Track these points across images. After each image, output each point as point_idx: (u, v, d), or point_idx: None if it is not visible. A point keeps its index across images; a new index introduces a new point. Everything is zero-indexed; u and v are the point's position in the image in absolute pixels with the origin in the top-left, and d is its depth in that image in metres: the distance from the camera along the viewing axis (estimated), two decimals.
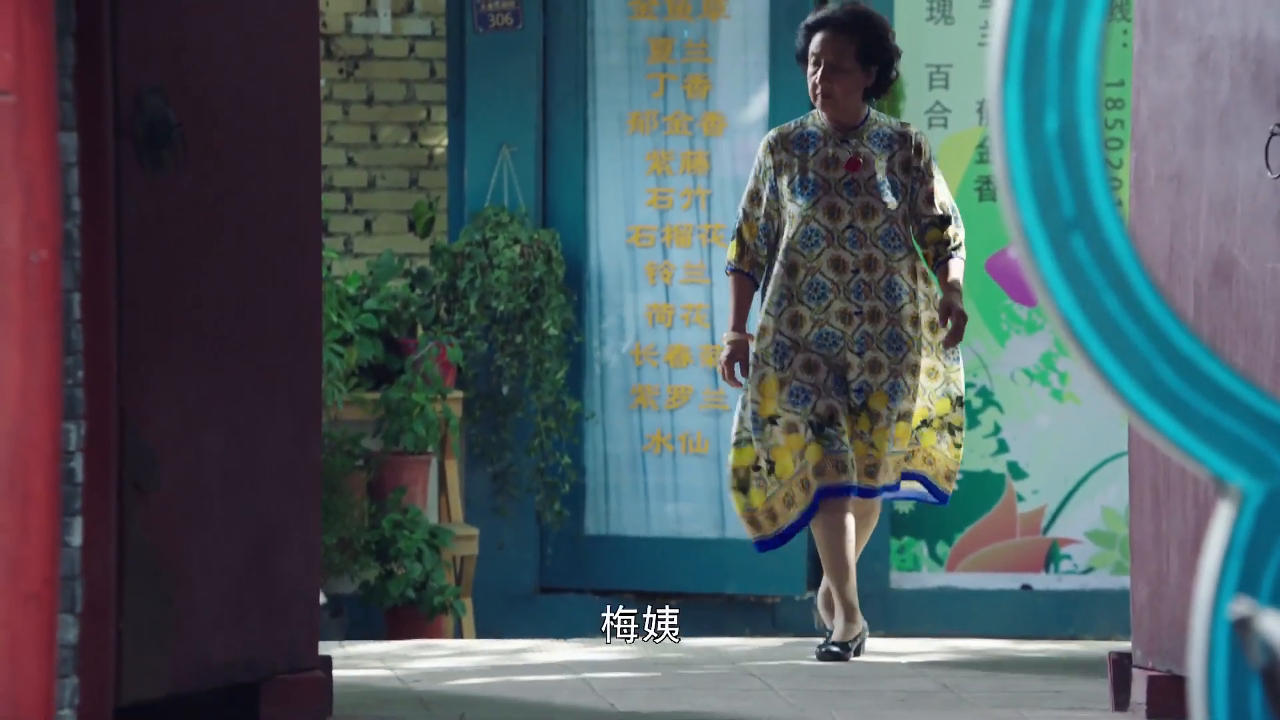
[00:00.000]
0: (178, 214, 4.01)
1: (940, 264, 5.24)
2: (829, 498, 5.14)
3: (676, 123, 7.34)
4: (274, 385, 4.27)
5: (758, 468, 5.14)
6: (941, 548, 7.25)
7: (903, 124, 5.33)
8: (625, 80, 7.32)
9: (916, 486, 5.32)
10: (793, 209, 5.17)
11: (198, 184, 4.02)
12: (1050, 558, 7.29)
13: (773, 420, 5.14)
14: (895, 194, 5.16)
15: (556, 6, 7.27)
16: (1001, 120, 1.38)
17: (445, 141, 7.39)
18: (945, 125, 7.26)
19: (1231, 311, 4.06)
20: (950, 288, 5.21)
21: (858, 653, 5.25)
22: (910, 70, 7.22)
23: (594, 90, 7.31)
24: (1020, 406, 7.28)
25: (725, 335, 5.27)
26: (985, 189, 7.27)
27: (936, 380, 5.24)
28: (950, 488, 5.35)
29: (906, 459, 5.24)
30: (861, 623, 5.27)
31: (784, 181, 5.18)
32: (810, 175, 5.16)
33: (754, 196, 5.22)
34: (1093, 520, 7.27)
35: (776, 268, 5.17)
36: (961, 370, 5.37)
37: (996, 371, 7.26)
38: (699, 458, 7.32)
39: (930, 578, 7.25)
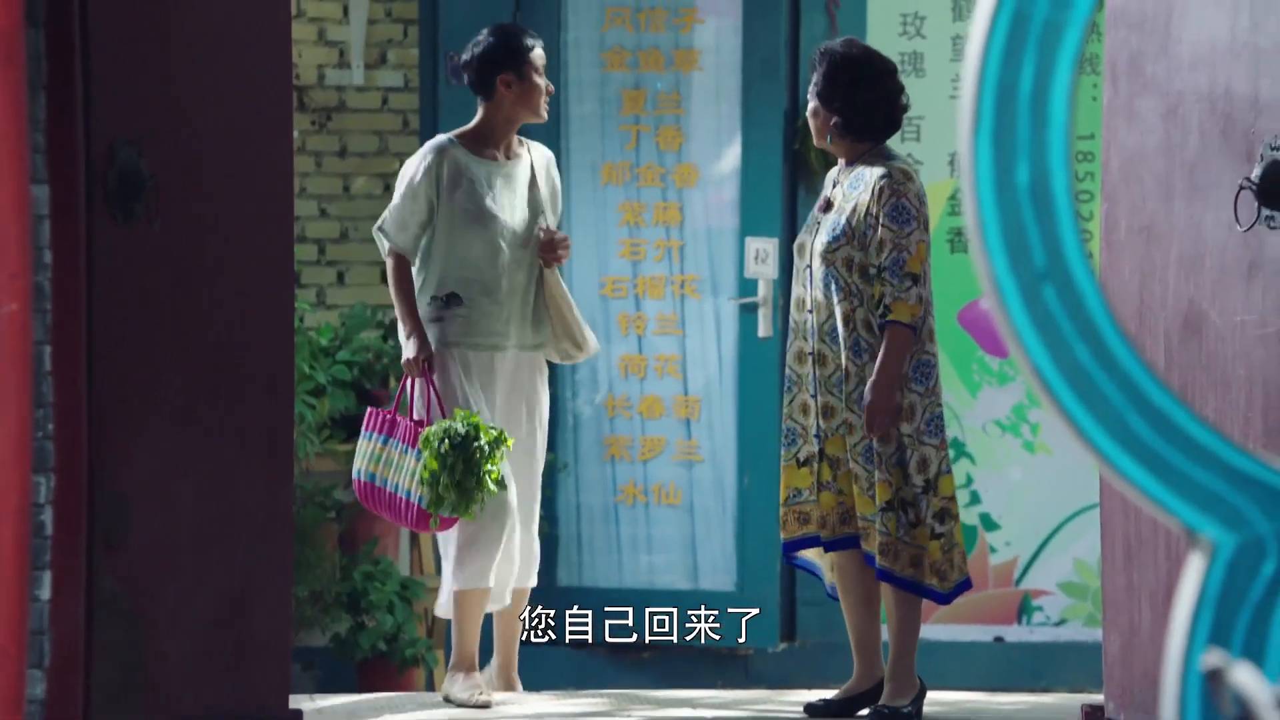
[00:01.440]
0: (150, 266, 4.00)
1: (880, 331, 4.97)
2: (794, 550, 5.12)
3: (649, 174, 7.36)
4: (246, 436, 4.26)
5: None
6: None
7: (888, 167, 5.06)
8: (598, 132, 7.34)
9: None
10: None
11: (170, 236, 4.01)
12: (1022, 609, 7.29)
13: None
14: (836, 236, 5.01)
15: None
16: (973, 172, 1.38)
17: None
18: None
19: (1201, 364, 4.07)
20: (875, 371, 4.91)
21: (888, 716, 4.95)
22: None
23: (567, 141, 7.33)
24: (992, 458, 7.29)
25: None
26: (957, 241, 7.30)
27: (890, 446, 4.97)
28: (932, 581, 4.94)
29: (905, 556, 4.90)
30: (892, 682, 4.99)
31: None
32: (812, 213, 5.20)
33: None
34: (1065, 572, 7.28)
35: None
36: (932, 448, 5.01)
37: (968, 423, 7.27)
38: (672, 509, 7.31)
39: None
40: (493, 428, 5.20)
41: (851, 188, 5.08)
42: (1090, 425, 1.38)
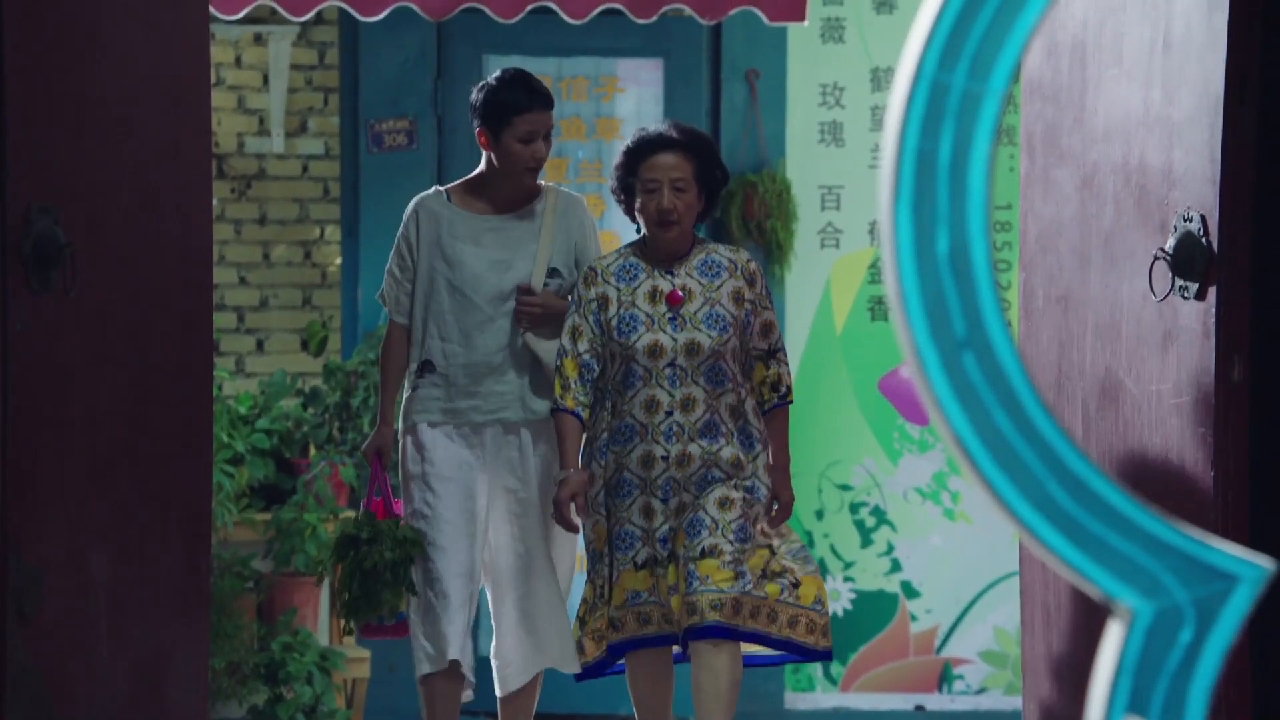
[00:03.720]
0: (67, 334, 3.96)
1: (768, 414, 4.87)
2: (631, 650, 4.98)
3: None
4: (164, 506, 4.21)
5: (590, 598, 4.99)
6: (835, 668, 7.24)
7: (734, 251, 4.90)
8: None
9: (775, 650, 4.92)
10: (614, 346, 4.83)
11: (87, 304, 3.98)
12: (943, 678, 7.29)
13: (602, 556, 4.95)
14: (722, 328, 4.79)
15: (451, 126, 7.30)
16: (893, 241, 1.39)
17: (339, 260, 7.37)
18: (837, 246, 7.33)
19: (1118, 432, 4.11)
20: (777, 464, 4.84)
21: None
22: (802, 192, 7.29)
23: None
24: (913, 525, 7.31)
25: (556, 474, 4.87)
26: (877, 309, 7.34)
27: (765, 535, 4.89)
28: (808, 640, 4.91)
29: (753, 613, 4.82)
30: None
31: (606, 316, 4.84)
32: (634, 310, 4.83)
33: (575, 332, 4.84)
34: (985, 640, 7.29)
35: (606, 407, 4.86)
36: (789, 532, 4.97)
37: (889, 490, 7.29)
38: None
39: (825, 698, 7.23)
40: (401, 530, 5.01)
41: (706, 275, 4.85)
42: (1010, 493, 1.39)
